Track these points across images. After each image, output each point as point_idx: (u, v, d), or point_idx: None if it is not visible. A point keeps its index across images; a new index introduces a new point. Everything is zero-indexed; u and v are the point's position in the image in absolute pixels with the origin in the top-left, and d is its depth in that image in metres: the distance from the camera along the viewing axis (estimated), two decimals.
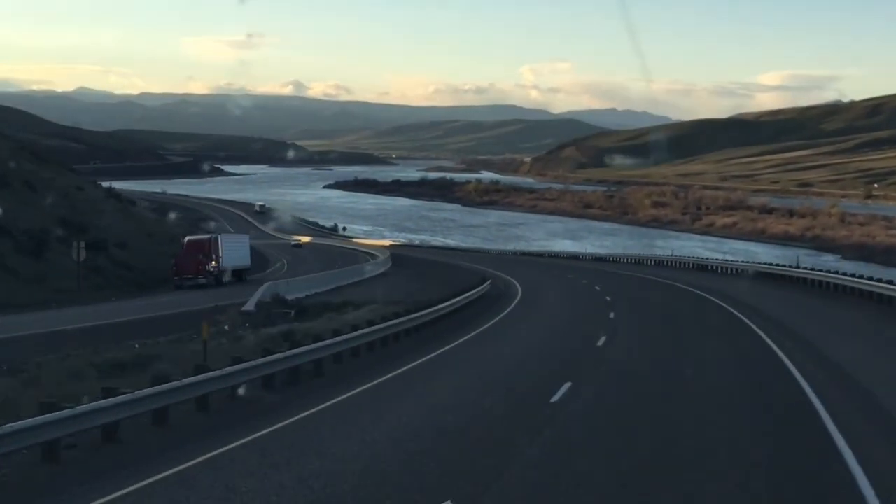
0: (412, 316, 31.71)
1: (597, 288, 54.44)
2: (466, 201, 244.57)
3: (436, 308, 34.93)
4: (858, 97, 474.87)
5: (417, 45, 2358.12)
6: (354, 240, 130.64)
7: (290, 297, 45.78)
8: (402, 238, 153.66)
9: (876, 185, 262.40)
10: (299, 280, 58.60)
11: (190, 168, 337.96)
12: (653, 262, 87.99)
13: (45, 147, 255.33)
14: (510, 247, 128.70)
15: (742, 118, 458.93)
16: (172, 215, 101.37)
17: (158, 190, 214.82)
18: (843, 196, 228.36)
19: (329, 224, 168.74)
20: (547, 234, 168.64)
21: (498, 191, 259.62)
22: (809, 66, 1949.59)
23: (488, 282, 50.47)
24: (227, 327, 34.14)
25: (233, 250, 69.28)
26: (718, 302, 44.83)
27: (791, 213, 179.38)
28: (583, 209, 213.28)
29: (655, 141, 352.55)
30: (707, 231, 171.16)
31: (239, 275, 68.00)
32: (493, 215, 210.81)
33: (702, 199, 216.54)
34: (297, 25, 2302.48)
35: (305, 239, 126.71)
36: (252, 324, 35.81)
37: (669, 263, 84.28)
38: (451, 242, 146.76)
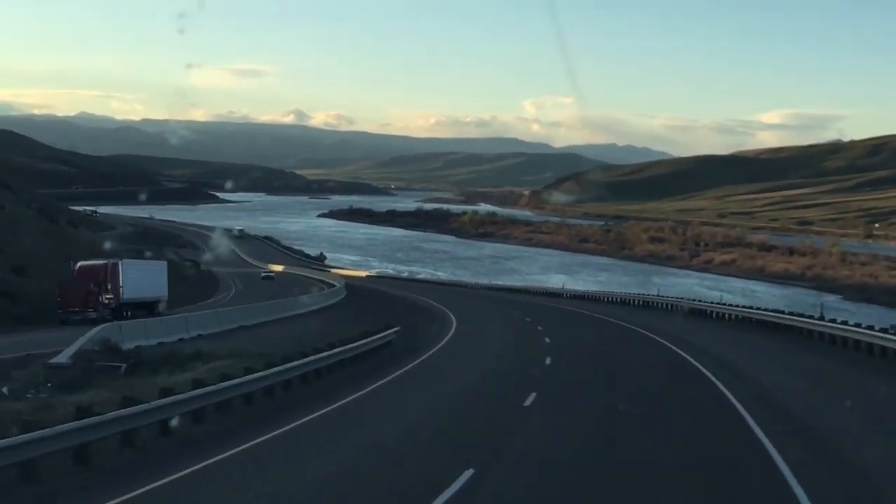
0: (243, 380, 22.42)
1: (547, 340, 43.39)
2: (461, 233, 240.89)
3: (300, 363, 26.58)
4: (859, 136, 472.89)
5: (420, 77, 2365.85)
6: (333, 270, 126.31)
7: (129, 345, 36.64)
8: (390, 269, 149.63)
9: (877, 225, 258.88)
10: (177, 318, 49.22)
11: (184, 194, 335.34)
12: (639, 303, 78.35)
13: (38, 171, 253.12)
14: (498, 281, 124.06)
15: (742, 155, 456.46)
16: (108, 245, 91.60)
17: (146, 215, 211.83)
18: (843, 235, 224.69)
19: (315, 253, 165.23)
20: (541, 269, 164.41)
21: (494, 223, 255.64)
22: (810, 106, 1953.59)
23: (395, 329, 41.01)
24: (5, 390, 24.56)
25: (139, 279, 61.17)
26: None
27: (791, 252, 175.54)
28: (579, 243, 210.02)
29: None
30: (706, 268, 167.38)
31: (150, 307, 60.61)
32: (488, 248, 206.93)
33: (700, 235, 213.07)
34: (300, 56, 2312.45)
35: (278, 268, 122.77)
36: (59, 384, 26.30)
37: (659, 305, 73.77)
38: (441, 275, 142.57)
